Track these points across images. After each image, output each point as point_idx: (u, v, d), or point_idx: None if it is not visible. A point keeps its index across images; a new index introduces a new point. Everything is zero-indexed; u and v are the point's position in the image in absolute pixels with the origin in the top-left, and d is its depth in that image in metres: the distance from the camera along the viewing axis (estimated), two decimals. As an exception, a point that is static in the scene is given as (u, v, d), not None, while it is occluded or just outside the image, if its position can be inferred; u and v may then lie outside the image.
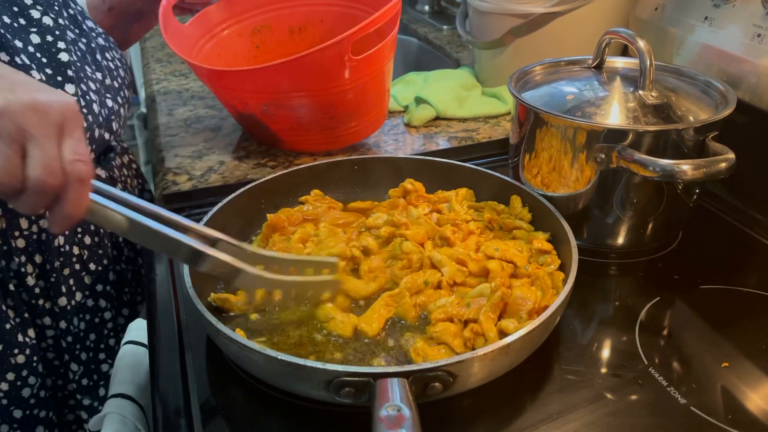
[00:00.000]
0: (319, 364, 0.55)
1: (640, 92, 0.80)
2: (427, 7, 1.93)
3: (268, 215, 0.83)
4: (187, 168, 1.05)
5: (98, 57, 0.90)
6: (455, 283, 0.73)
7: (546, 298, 0.69)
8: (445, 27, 1.78)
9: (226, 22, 1.17)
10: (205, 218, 0.77)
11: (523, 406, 0.63)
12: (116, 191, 0.58)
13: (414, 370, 0.55)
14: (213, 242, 0.63)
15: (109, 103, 0.88)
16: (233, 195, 0.83)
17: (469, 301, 0.69)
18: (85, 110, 0.81)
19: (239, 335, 0.60)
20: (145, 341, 0.80)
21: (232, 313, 0.71)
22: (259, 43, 1.21)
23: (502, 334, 0.63)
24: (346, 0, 1.18)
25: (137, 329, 0.83)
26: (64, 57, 0.80)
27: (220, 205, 0.80)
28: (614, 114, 0.79)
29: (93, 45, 0.90)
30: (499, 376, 0.62)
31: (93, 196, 0.55)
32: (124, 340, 0.82)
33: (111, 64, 0.93)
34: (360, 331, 0.68)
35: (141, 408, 0.74)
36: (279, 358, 0.57)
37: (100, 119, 0.85)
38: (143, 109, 1.99)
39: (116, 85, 0.91)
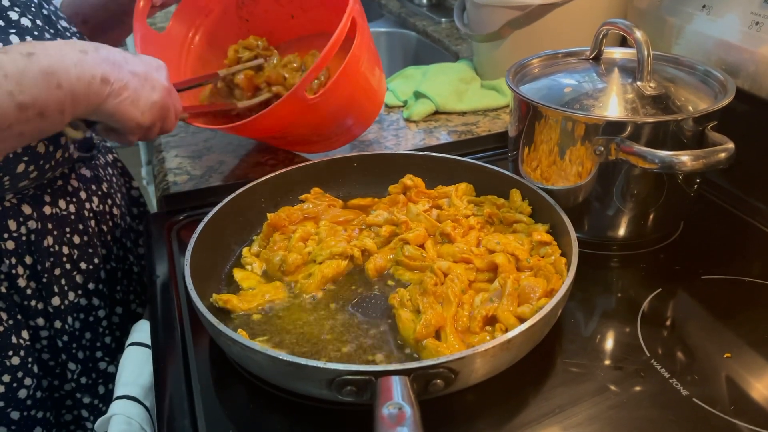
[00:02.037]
0: (320, 364, 0.56)
1: (639, 83, 0.79)
2: (425, 0, 1.93)
3: (268, 214, 0.83)
4: (187, 168, 1.05)
5: None
6: (469, 282, 0.73)
7: (552, 283, 0.69)
8: (443, 20, 1.78)
9: (207, 6, 1.14)
10: (206, 218, 0.77)
11: (526, 401, 0.63)
12: None
13: (415, 368, 0.55)
14: None
15: None
16: (233, 194, 0.83)
17: (491, 297, 0.69)
18: None
19: (241, 336, 0.61)
20: (149, 342, 0.80)
21: (234, 314, 0.71)
22: (247, 16, 1.17)
23: (521, 320, 0.64)
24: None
25: (141, 330, 0.84)
26: None
27: (220, 204, 0.80)
28: (613, 106, 0.78)
29: None
30: (501, 371, 0.62)
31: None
32: (128, 342, 0.83)
33: None
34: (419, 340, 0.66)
35: (146, 409, 0.75)
36: (281, 357, 0.57)
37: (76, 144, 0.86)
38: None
39: None
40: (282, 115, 0.91)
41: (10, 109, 0.61)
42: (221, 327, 0.60)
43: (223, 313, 0.71)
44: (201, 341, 0.71)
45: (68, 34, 0.92)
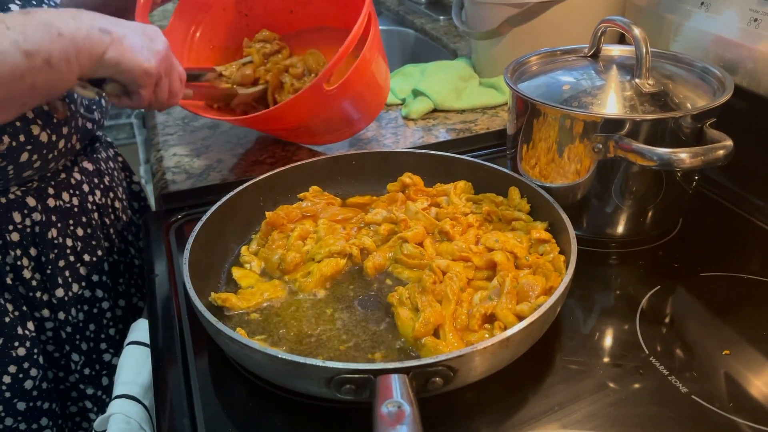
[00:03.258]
0: (319, 362, 0.55)
1: (637, 80, 0.79)
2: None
3: (266, 213, 0.83)
4: (185, 167, 1.05)
5: None
6: (468, 280, 0.73)
7: (550, 280, 0.69)
8: (441, 18, 1.77)
9: (206, 2, 1.15)
10: (205, 217, 0.77)
11: (525, 398, 0.63)
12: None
13: (414, 366, 0.55)
14: None
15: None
16: (232, 193, 0.83)
17: (490, 295, 0.69)
18: (67, 99, 0.83)
19: (240, 334, 0.60)
20: (148, 341, 0.80)
21: (232, 312, 0.71)
22: (247, 11, 1.18)
23: (520, 318, 0.64)
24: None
25: (140, 329, 0.83)
26: None
27: (219, 203, 0.80)
28: (611, 103, 0.78)
29: None
30: (500, 369, 0.62)
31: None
32: (127, 341, 0.83)
33: None
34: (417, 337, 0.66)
35: (145, 408, 0.75)
36: (280, 356, 0.57)
37: (82, 109, 0.87)
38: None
39: None
40: (300, 107, 0.93)
41: (19, 57, 0.63)
42: (220, 326, 0.60)
43: (222, 312, 0.71)
44: (200, 340, 0.71)
45: None
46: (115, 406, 0.74)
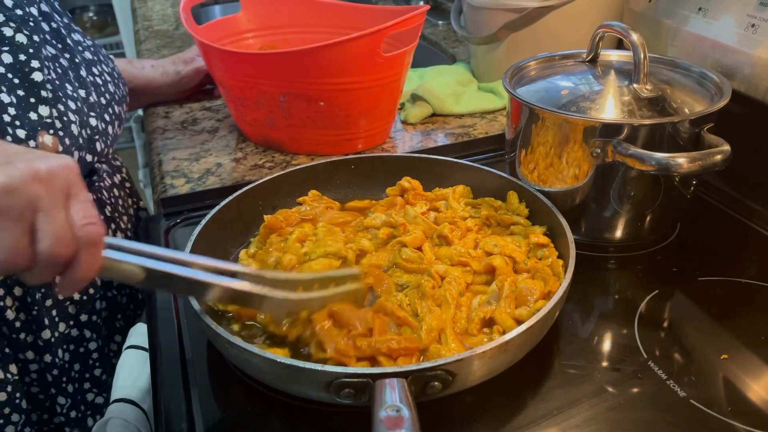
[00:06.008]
0: (318, 366, 0.56)
1: (635, 85, 0.80)
2: (421, 3, 1.93)
3: (265, 216, 0.83)
4: (184, 171, 1.05)
5: (82, 73, 0.86)
6: (467, 284, 0.73)
7: (549, 285, 0.69)
8: (440, 22, 1.78)
9: (251, 32, 1.20)
10: (204, 221, 0.77)
11: (524, 402, 0.63)
12: (129, 243, 0.56)
13: (413, 370, 0.55)
14: (232, 275, 0.61)
15: (93, 122, 0.84)
16: (231, 197, 0.83)
17: (489, 299, 0.69)
18: (61, 132, 0.77)
19: (238, 338, 0.60)
20: (147, 345, 0.80)
21: (231, 315, 0.71)
22: None
23: (519, 322, 0.64)
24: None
25: (138, 334, 0.83)
26: (37, 77, 0.76)
27: (217, 207, 0.80)
28: (609, 108, 0.79)
29: (77, 60, 0.86)
30: (499, 373, 0.62)
31: (105, 252, 0.53)
32: (125, 345, 0.83)
33: (98, 79, 0.89)
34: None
35: (144, 412, 0.75)
36: (278, 360, 0.57)
37: (80, 141, 0.81)
38: (140, 112, 1.99)
39: (103, 101, 0.88)
40: (348, 53, 0.95)
41: None
42: (219, 330, 0.60)
43: (221, 316, 0.71)
44: (198, 344, 0.71)
45: (80, 48, 0.89)
46: (113, 410, 0.73)
